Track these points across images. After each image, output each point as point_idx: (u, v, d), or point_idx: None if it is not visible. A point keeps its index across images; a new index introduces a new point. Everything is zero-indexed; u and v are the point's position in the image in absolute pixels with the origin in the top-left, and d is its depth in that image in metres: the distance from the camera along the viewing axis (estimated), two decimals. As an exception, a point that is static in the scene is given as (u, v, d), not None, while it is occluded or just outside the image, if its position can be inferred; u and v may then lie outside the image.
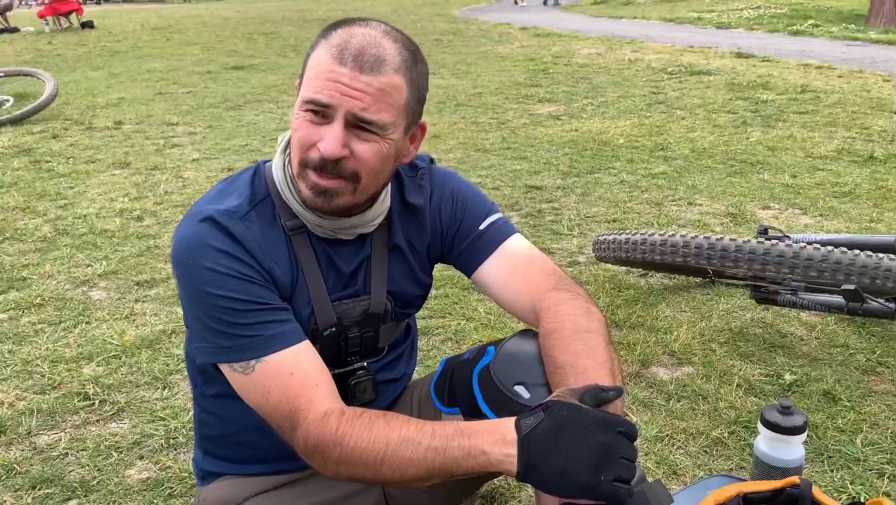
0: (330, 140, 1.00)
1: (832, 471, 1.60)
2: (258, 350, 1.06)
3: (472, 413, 1.13)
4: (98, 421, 1.86)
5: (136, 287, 2.67)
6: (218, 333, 1.07)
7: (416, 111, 1.09)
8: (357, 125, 1.01)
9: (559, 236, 3.10)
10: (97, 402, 1.93)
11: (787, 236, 2.05)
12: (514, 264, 1.22)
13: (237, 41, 11.09)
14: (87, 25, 13.63)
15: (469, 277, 1.26)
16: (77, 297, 2.59)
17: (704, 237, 1.88)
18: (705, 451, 1.67)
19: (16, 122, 5.44)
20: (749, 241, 1.82)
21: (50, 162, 4.43)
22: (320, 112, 1.01)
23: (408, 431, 0.97)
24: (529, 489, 1.55)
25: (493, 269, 1.23)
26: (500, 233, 1.25)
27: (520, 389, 1.10)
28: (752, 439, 1.68)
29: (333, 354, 1.20)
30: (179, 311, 2.44)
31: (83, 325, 2.37)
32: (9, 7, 14.19)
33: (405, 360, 1.39)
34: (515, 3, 19.06)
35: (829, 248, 1.83)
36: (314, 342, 1.12)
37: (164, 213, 3.49)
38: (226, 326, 1.06)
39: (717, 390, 1.89)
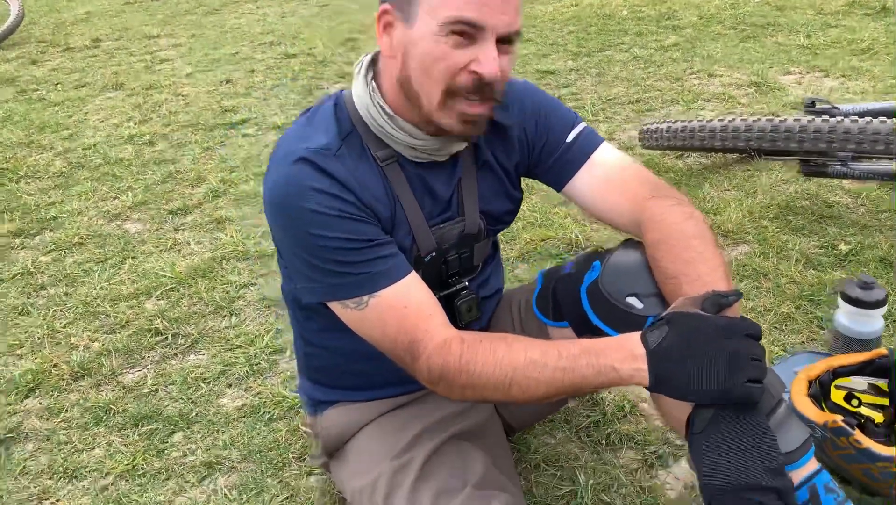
0: (491, 62, 0.97)
1: (901, 335, 1.67)
2: (371, 286, 1.06)
3: (582, 327, 1.16)
4: (177, 355, 1.89)
5: (171, 216, 2.63)
6: (327, 272, 1.06)
7: None
8: (500, 41, 0.98)
9: (583, 122, 3.06)
10: (169, 336, 1.95)
11: (837, 108, 2.04)
12: (606, 175, 1.20)
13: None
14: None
15: (559, 191, 1.25)
16: (114, 231, 2.56)
17: (767, 119, 1.86)
18: (776, 327, 1.73)
19: (-13, 49, 5.18)
20: (813, 119, 1.81)
21: (38, 90, 4.24)
22: (467, 33, 0.97)
23: (533, 354, 0.99)
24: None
25: (584, 181, 1.21)
26: (589, 143, 1.22)
27: (632, 301, 1.11)
28: (818, 312, 1.75)
29: (435, 278, 1.20)
30: (223, 237, 2.43)
31: (130, 260, 2.36)
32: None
33: (496, 274, 1.41)
34: None
35: (883, 119, 1.82)
36: (417, 268, 1.12)
37: (174, 135, 3.39)
38: (336, 266, 1.05)
39: (777, 267, 1.94)
